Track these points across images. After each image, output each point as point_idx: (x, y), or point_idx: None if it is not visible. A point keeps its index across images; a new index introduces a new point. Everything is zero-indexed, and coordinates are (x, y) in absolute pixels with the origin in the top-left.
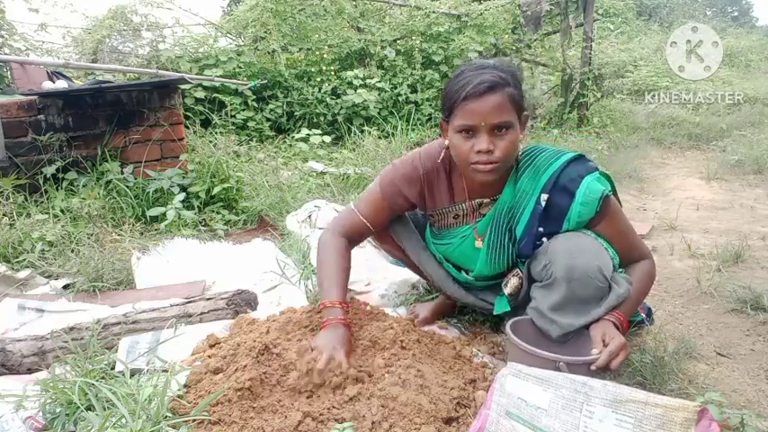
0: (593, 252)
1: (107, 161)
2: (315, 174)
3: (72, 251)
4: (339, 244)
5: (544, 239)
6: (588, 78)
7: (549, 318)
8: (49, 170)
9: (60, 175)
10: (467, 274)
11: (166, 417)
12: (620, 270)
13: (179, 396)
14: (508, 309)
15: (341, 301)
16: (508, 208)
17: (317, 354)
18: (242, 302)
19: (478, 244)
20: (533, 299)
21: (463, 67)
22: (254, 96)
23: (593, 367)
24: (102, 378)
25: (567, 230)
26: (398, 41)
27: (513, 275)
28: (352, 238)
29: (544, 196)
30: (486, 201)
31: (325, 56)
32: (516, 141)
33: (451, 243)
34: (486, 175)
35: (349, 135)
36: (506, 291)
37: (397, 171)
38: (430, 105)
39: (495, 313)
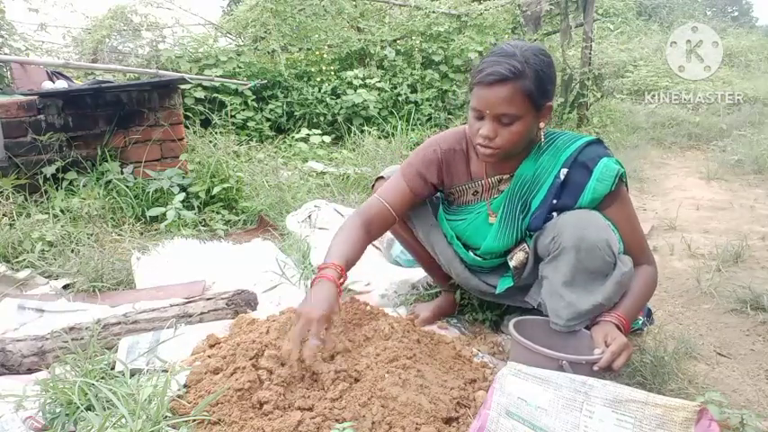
0: (602, 226)
1: (107, 161)
2: (315, 174)
3: (72, 251)
4: (352, 222)
5: (554, 214)
6: (588, 78)
7: (560, 294)
8: (49, 170)
9: (60, 175)
10: (474, 253)
11: (166, 417)
12: None
13: (179, 396)
14: (511, 284)
15: (334, 263)
16: (526, 182)
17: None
18: (242, 302)
19: (492, 220)
20: (545, 278)
21: (492, 50)
22: (254, 96)
23: (595, 367)
24: (102, 378)
25: (579, 208)
26: (398, 41)
27: (520, 250)
28: (372, 222)
29: (564, 170)
30: (504, 177)
31: (325, 56)
32: (524, 132)
33: (465, 219)
34: (486, 158)
35: (349, 135)
36: (512, 263)
37: (417, 155)
38: (430, 105)
39: (497, 292)
